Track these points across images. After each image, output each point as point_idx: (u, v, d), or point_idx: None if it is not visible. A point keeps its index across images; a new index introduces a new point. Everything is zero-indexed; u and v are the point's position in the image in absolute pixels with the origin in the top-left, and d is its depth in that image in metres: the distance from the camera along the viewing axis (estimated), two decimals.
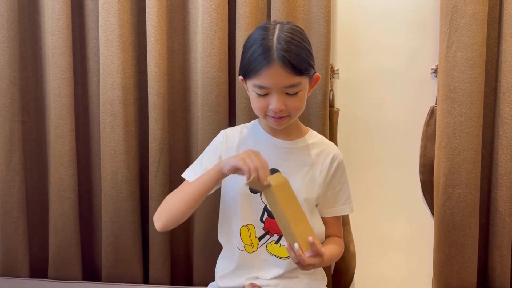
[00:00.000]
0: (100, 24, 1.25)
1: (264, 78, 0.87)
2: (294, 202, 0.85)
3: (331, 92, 1.28)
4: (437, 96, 1.23)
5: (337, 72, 1.29)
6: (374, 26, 1.28)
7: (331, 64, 1.26)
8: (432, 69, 1.26)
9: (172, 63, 1.30)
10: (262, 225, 0.98)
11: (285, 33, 0.89)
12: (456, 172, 1.18)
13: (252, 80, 0.90)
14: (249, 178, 0.82)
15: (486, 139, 1.23)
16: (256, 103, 0.93)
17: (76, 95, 1.33)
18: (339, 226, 1.08)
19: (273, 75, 0.87)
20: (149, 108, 1.27)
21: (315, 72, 0.95)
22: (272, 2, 1.21)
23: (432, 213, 1.29)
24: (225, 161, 0.90)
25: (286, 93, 0.90)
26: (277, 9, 1.20)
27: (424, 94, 1.28)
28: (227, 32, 1.23)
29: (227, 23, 1.22)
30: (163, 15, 1.24)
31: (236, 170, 0.86)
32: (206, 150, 1.06)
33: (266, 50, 0.87)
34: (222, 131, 1.05)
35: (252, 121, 1.07)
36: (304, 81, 0.91)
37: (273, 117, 0.92)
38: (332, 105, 1.28)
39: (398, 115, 1.30)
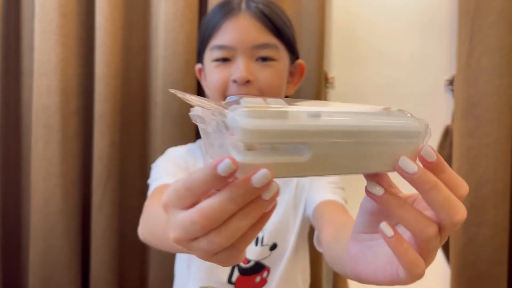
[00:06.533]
0: (36, 12, 1.00)
1: (226, 32, 0.64)
2: None
3: None
4: (453, 112, 1.01)
5: (332, 81, 1.06)
6: (377, 28, 1.07)
7: (324, 71, 1.03)
8: (446, 80, 1.05)
9: (127, 64, 1.05)
10: (231, 287, 0.70)
11: None
12: (482, 207, 0.94)
13: (210, 44, 0.67)
14: None
15: None
16: (213, 78, 0.68)
17: (5, 103, 1.07)
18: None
19: (240, 26, 0.64)
20: (95, 119, 1.00)
21: (297, 58, 0.74)
22: None
23: (448, 259, 1.04)
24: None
25: (257, 59, 0.66)
26: None
27: (437, 111, 1.06)
28: (196, 25, 0.99)
29: (197, 15, 0.99)
30: (118, 4, 1.00)
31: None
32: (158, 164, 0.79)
33: (230, 1, 0.66)
34: (168, 150, 0.82)
35: None
36: (283, 52, 0.69)
37: None
38: None
39: None
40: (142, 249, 1.07)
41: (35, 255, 1.02)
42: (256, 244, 0.70)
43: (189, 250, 0.32)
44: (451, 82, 1.04)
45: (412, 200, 0.36)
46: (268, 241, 0.70)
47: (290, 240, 0.72)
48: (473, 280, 0.96)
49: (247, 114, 0.27)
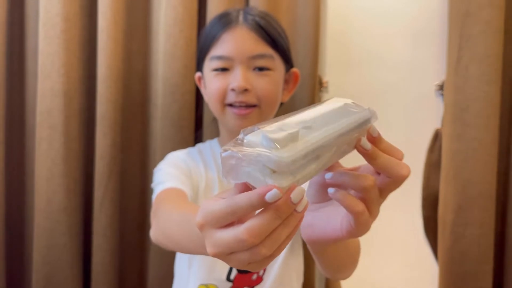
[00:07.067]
0: (40, 15, 1.02)
1: (225, 43, 0.69)
2: None
3: None
4: (443, 117, 1.04)
5: (326, 85, 1.09)
6: (370, 34, 1.10)
7: (319, 75, 1.06)
8: (437, 85, 1.08)
9: (128, 67, 1.07)
10: (229, 284, 0.73)
11: (253, 9, 0.74)
12: (469, 208, 0.98)
13: (210, 55, 0.71)
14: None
15: (500, 170, 1.04)
16: (212, 86, 0.71)
17: (10, 104, 1.09)
18: None
19: (238, 37, 0.69)
20: (97, 119, 1.03)
21: (292, 67, 0.77)
22: None
23: (437, 258, 1.07)
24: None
25: (254, 69, 0.70)
26: (256, 6, 1.00)
27: (427, 115, 1.09)
28: (195, 31, 1.01)
29: (195, 21, 1.02)
30: (120, 9, 1.03)
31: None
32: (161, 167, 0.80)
33: (229, 14, 0.70)
34: (169, 154, 0.83)
35: (208, 141, 0.85)
36: (278, 62, 0.73)
37: (235, 107, 0.70)
38: None
39: (396, 139, 1.06)
40: (142, 247, 1.10)
41: (38, 252, 1.05)
42: None
43: (226, 261, 0.35)
44: (441, 87, 1.07)
45: (355, 170, 0.45)
46: None
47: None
48: (460, 278, 1.00)
49: (276, 148, 0.33)
